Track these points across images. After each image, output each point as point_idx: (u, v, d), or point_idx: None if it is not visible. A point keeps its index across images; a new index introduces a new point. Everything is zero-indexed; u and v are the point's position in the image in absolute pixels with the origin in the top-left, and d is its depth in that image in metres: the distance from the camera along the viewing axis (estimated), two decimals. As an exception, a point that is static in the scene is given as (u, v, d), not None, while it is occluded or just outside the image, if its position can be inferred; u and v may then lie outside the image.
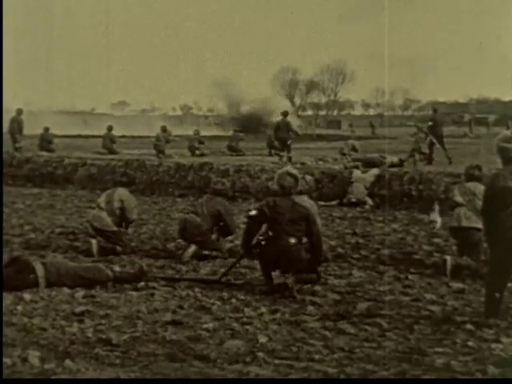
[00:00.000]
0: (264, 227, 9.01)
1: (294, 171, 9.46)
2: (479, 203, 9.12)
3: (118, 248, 11.20)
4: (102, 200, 11.60)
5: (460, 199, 10.33)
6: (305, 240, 8.95)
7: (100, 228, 11.41)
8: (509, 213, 7.39)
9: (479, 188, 9.86)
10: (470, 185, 10.38)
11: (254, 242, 9.06)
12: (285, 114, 26.93)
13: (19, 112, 27.29)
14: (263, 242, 8.92)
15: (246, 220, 9.90)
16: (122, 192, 11.68)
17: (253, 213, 9.18)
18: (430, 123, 25.76)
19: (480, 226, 9.18)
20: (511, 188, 7.41)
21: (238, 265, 10.07)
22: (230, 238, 11.85)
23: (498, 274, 7.60)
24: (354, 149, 27.91)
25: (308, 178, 12.64)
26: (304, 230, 8.87)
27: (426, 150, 25.06)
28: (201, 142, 30.54)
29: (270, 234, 8.88)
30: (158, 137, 29.99)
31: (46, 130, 30.50)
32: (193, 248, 10.88)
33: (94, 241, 11.26)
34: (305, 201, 9.81)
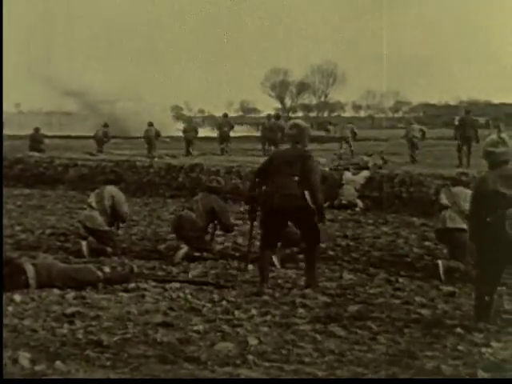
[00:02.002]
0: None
1: (300, 122, 9.76)
2: (464, 205, 9.75)
3: (109, 249, 11.21)
4: (92, 200, 11.66)
5: (446, 202, 10.58)
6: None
7: (92, 228, 11.47)
8: (496, 216, 7.41)
9: (464, 192, 10.24)
10: (456, 189, 10.63)
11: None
12: (277, 116, 27.31)
13: None
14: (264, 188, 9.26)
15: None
16: (111, 189, 11.73)
17: (259, 167, 9.71)
18: (457, 123, 25.58)
19: (465, 226, 9.44)
20: (499, 192, 7.42)
21: (228, 267, 10.14)
22: (220, 239, 11.89)
23: (486, 278, 7.61)
24: (354, 132, 28.21)
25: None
26: (300, 170, 8.99)
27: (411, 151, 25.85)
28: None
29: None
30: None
31: (37, 130, 30.48)
32: (184, 249, 10.88)
33: (84, 242, 11.27)
34: None
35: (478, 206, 7.64)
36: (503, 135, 8.20)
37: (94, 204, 11.57)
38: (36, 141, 29.81)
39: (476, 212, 7.71)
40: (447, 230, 10.35)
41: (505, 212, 7.35)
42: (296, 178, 8.94)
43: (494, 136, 8.20)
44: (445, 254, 10.74)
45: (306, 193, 8.91)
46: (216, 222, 11.26)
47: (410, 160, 25.20)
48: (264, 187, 9.28)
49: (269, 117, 29.35)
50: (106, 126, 32.85)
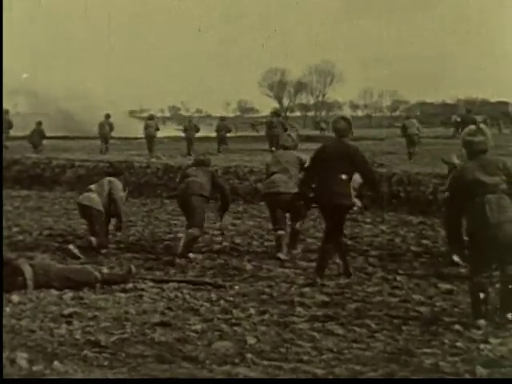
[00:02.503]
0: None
1: (345, 115, 10.46)
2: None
3: (94, 239, 11.35)
4: (92, 186, 11.94)
5: (457, 161, 10.46)
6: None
7: (88, 205, 11.63)
8: (475, 203, 7.56)
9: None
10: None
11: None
12: (278, 113, 27.74)
13: None
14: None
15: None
16: (110, 178, 11.96)
17: (307, 163, 10.53)
18: (458, 120, 25.72)
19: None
20: (480, 180, 7.59)
21: (227, 266, 10.14)
22: (219, 239, 11.91)
23: (478, 273, 7.60)
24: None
25: (293, 134, 12.93)
26: (352, 168, 9.52)
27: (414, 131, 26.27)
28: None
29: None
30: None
31: (39, 124, 30.73)
32: (186, 237, 11.01)
33: (71, 246, 11.28)
34: (295, 155, 11.38)
35: (457, 194, 7.87)
36: (482, 126, 8.59)
37: (93, 188, 11.85)
38: (39, 135, 30.11)
39: (454, 199, 7.98)
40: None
41: (483, 199, 7.51)
42: (344, 177, 9.47)
43: (472, 126, 8.55)
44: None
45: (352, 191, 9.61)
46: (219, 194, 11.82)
47: (408, 156, 25.28)
48: (314, 185, 9.79)
49: (271, 115, 29.74)
50: (108, 116, 32.41)
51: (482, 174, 7.62)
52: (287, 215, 11.35)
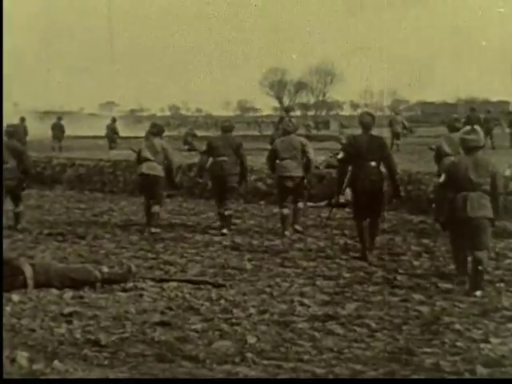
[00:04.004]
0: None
1: (370, 111, 12.30)
2: None
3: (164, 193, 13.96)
4: (147, 154, 13.41)
5: (448, 149, 11.85)
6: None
7: (155, 174, 13.32)
8: (460, 196, 8.82)
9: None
10: (455, 135, 11.43)
11: (344, 185, 11.42)
12: (288, 109, 28.22)
13: None
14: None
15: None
16: (160, 142, 13.56)
17: (340, 155, 11.84)
18: (463, 120, 26.19)
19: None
20: (469, 178, 8.83)
21: (226, 266, 10.15)
22: (218, 239, 11.93)
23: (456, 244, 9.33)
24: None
25: (293, 120, 15.48)
26: (380, 156, 11.06)
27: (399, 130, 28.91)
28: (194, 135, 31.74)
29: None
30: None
31: (59, 118, 31.43)
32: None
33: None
34: (295, 139, 13.25)
35: (447, 184, 9.17)
36: (476, 126, 9.46)
37: (150, 157, 13.33)
38: (58, 129, 30.65)
39: (442, 189, 9.38)
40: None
41: (467, 194, 8.78)
42: (374, 164, 11.00)
43: (468, 127, 9.52)
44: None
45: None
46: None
47: (391, 147, 26.95)
48: (350, 172, 11.19)
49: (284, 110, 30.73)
50: (114, 120, 33.27)
51: (473, 172, 8.84)
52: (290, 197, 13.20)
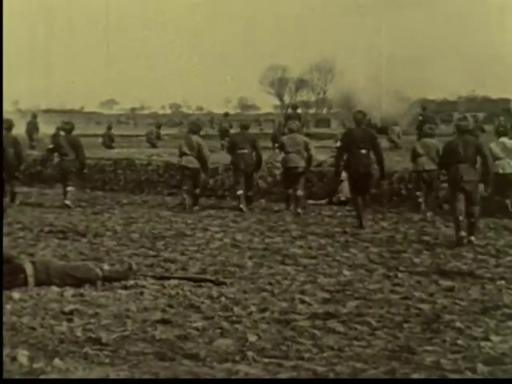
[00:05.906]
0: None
1: (363, 111, 14.82)
2: (433, 153, 15.35)
3: (197, 190, 16.52)
4: (185, 149, 16.35)
5: (421, 151, 15.76)
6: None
7: (193, 167, 16.25)
8: (453, 168, 12.04)
9: (432, 142, 15.72)
10: (426, 140, 15.95)
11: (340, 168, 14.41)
12: (295, 106, 29.00)
13: None
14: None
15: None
16: (196, 138, 16.49)
17: (338, 144, 15.38)
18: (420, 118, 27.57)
19: (435, 167, 14.92)
20: (458, 151, 12.00)
21: (227, 263, 10.14)
22: (218, 236, 11.91)
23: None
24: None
25: (296, 122, 18.09)
26: (370, 145, 13.82)
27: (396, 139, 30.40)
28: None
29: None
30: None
31: (109, 128, 33.20)
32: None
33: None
34: (299, 137, 16.35)
35: (444, 160, 12.50)
36: (466, 114, 12.73)
37: (188, 151, 16.27)
38: (109, 138, 31.95)
39: (442, 163, 12.78)
40: (425, 171, 15.60)
41: (459, 166, 11.92)
42: (364, 151, 13.73)
43: (461, 115, 13.39)
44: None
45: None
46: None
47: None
48: (345, 158, 13.92)
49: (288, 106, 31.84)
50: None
51: (462, 148, 11.98)
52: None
